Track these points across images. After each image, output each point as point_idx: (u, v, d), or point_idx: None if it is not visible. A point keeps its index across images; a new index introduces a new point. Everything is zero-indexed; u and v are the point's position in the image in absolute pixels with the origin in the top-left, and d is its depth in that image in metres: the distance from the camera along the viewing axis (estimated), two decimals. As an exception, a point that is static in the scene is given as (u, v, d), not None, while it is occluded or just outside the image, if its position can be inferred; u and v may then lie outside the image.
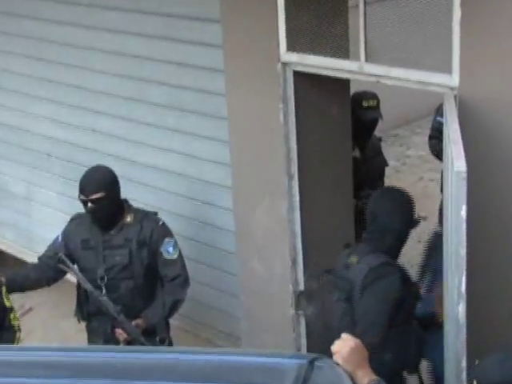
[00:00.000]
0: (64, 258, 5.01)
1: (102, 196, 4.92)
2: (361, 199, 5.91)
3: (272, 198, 5.33)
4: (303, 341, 5.54)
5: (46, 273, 5.16)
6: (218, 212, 5.78)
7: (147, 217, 5.10)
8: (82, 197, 4.95)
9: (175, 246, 5.09)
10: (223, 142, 5.52)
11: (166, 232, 5.10)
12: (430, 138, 6.75)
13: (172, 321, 5.37)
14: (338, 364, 3.12)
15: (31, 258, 7.25)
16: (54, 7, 6.28)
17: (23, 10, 6.52)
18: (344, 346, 3.21)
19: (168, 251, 5.06)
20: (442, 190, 6.47)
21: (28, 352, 3.15)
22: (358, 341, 3.27)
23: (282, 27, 4.91)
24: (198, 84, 5.55)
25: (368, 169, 6.01)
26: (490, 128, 4.19)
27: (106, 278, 5.01)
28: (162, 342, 5.03)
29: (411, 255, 7.70)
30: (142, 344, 4.84)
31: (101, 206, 4.93)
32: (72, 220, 5.24)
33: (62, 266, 5.03)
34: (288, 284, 5.43)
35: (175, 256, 5.08)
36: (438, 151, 6.64)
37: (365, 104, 5.91)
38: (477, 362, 3.15)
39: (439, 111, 6.57)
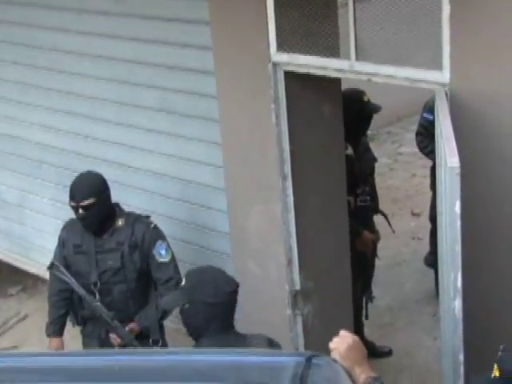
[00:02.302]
0: (57, 264, 5.02)
1: (93, 202, 4.93)
2: (357, 196, 5.93)
3: (266, 199, 5.33)
4: (301, 340, 5.54)
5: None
6: (212, 214, 5.78)
7: (139, 220, 5.11)
8: (73, 203, 4.97)
9: (167, 248, 5.09)
10: (216, 144, 5.51)
11: (157, 235, 5.10)
12: (417, 134, 6.78)
13: (169, 323, 5.37)
14: (335, 361, 3.12)
15: (27, 266, 7.27)
16: (43, 13, 6.26)
17: (12, 17, 6.51)
18: (342, 342, 3.20)
19: (160, 254, 5.06)
20: (431, 187, 6.53)
21: (24, 358, 3.14)
22: (356, 338, 3.26)
23: (272, 27, 4.91)
24: (189, 87, 5.55)
25: (361, 166, 6.03)
26: (482, 123, 4.20)
27: (98, 282, 5.02)
28: (154, 344, 5.04)
29: (404, 251, 7.74)
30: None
31: (91, 212, 4.94)
32: (64, 227, 5.26)
33: (55, 272, 5.03)
34: (284, 284, 5.43)
35: (168, 259, 5.08)
36: (422, 148, 6.68)
37: (365, 99, 5.94)
38: (502, 348, 3.14)
39: (426, 108, 6.60)
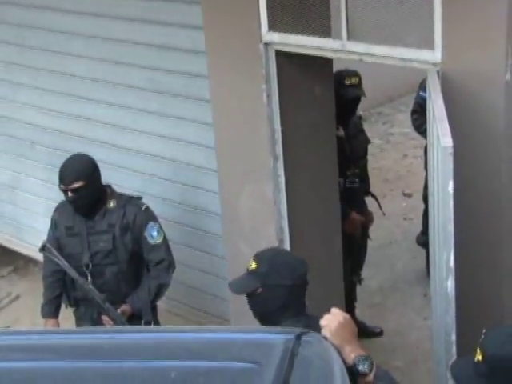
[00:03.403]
0: (49, 246, 5.01)
1: (82, 185, 4.91)
2: (347, 178, 5.92)
3: (257, 179, 5.33)
4: (292, 321, 5.55)
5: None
6: (204, 195, 5.78)
7: (130, 202, 5.09)
8: (62, 186, 4.95)
9: (159, 230, 5.08)
10: (207, 125, 5.50)
11: (149, 217, 5.09)
12: (413, 112, 6.77)
13: (161, 304, 5.37)
14: (325, 338, 3.12)
15: (18, 247, 7.27)
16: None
17: (2, -3, 6.48)
18: (333, 320, 3.21)
19: (152, 236, 5.05)
20: (425, 167, 6.53)
21: (13, 336, 3.14)
22: (347, 316, 3.27)
23: (263, 7, 4.89)
24: (180, 67, 5.53)
25: (352, 147, 6.02)
26: (473, 103, 4.20)
27: (90, 264, 5.02)
28: (146, 326, 5.05)
29: (395, 232, 7.75)
30: (128, 330, 4.86)
31: (80, 195, 4.92)
32: (57, 209, 5.25)
33: (47, 254, 5.03)
34: (276, 265, 5.42)
35: (159, 240, 5.07)
36: (417, 126, 6.67)
37: (347, 82, 5.89)
38: (484, 331, 3.15)
39: (422, 86, 6.57)
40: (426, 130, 5.96)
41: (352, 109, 6.07)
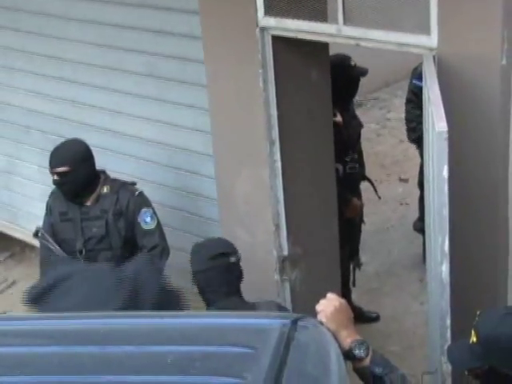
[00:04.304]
0: (43, 232, 5.01)
1: (67, 170, 4.92)
2: (346, 163, 5.92)
3: (254, 164, 5.33)
4: (288, 306, 5.55)
5: None
6: (200, 180, 5.78)
7: (124, 187, 5.09)
8: (49, 169, 4.99)
9: (153, 216, 5.08)
10: (203, 110, 5.49)
11: (142, 202, 5.09)
12: (408, 101, 6.72)
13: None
14: (321, 323, 3.13)
15: (14, 232, 7.26)
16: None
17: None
18: (329, 305, 3.22)
19: (145, 221, 5.05)
20: (420, 155, 6.51)
21: (9, 321, 3.14)
22: (342, 300, 3.28)
23: (259, -9, 4.87)
24: (176, 52, 5.52)
25: (349, 133, 6.02)
26: (469, 88, 4.20)
27: (84, 250, 5.02)
28: None
29: (391, 217, 7.76)
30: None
31: (66, 180, 4.94)
32: (51, 194, 5.25)
33: (40, 240, 5.03)
34: (272, 250, 5.44)
35: (153, 226, 5.07)
36: (415, 116, 6.47)
37: (352, 63, 5.92)
38: (478, 313, 3.16)
39: (416, 74, 6.55)
40: (418, 138, 5.91)
41: (354, 91, 6.07)
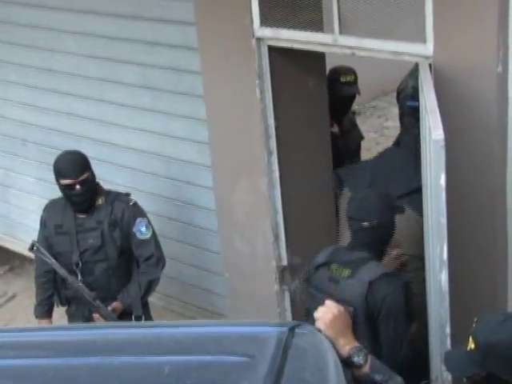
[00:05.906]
0: (38, 245, 5.00)
1: (87, 176, 4.93)
2: None
3: (252, 174, 5.33)
4: (288, 316, 5.55)
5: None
6: (198, 191, 5.78)
7: (118, 198, 5.09)
8: (68, 181, 4.90)
9: (148, 225, 5.08)
10: (201, 121, 5.50)
11: (137, 212, 5.08)
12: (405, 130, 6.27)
13: (156, 301, 5.37)
14: (319, 331, 3.13)
15: (12, 245, 7.25)
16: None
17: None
18: (327, 312, 3.21)
19: (141, 231, 5.05)
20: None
21: (7, 333, 3.14)
22: (341, 308, 3.27)
23: (255, 2, 4.87)
24: (172, 63, 5.52)
25: (346, 143, 6.01)
26: (466, 95, 4.20)
27: (80, 262, 5.01)
28: (137, 321, 5.05)
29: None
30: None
31: (87, 187, 4.94)
32: (45, 208, 5.24)
33: (36, 253, 5.02)
34: (271, 260, 5.43)
35: (148, 236, 5.07)
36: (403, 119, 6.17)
37: (342, 79, 5.88)
38: (476, 320, 3.15)
39: (404, 95, 6.13)
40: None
41: (347, 106, 6.05)
